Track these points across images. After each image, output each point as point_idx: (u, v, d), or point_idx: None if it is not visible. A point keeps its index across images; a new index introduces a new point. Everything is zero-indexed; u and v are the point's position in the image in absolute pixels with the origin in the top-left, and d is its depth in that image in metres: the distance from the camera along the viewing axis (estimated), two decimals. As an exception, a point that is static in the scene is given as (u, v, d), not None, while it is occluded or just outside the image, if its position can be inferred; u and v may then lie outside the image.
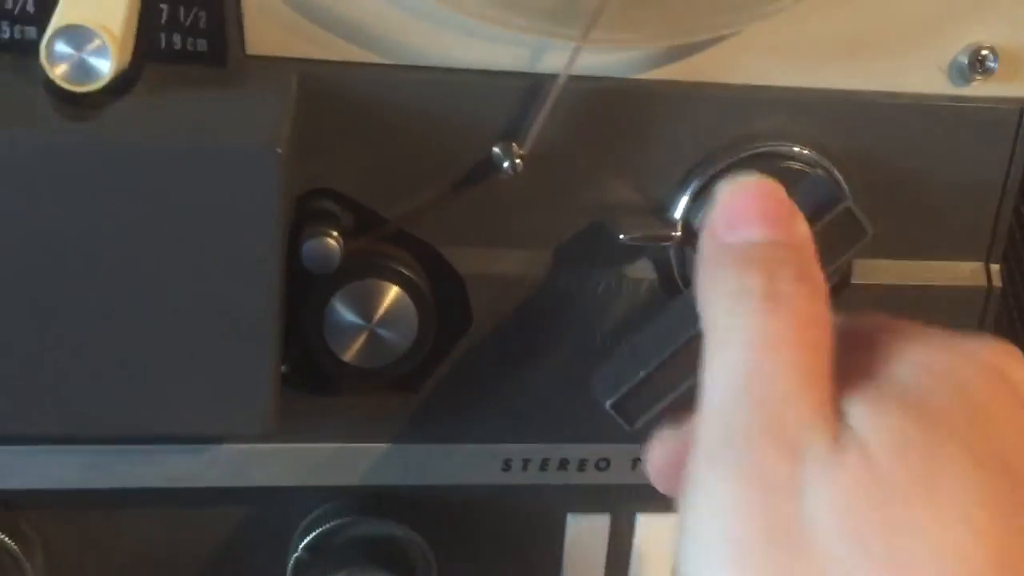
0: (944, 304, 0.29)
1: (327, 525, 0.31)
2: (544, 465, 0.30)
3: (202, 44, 0.25)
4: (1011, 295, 0.32)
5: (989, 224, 0.29)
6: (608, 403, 0.27)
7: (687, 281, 0.28)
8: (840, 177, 0.28)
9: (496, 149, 0.27)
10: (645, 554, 0.35)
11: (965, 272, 0.30)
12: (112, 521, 0.30)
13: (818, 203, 0.26)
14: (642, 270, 0.28)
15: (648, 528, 0.34)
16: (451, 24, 0.25)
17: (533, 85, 0.26)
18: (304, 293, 0.26)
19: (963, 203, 0.29)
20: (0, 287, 0.23)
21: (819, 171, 0.28)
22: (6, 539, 0.29)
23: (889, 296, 0.29)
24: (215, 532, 0.31)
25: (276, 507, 0.30)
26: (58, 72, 0.22)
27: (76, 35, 0.22)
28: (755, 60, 0.27)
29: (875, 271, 0.29)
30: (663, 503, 0.32)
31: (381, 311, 0.26)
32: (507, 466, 0.30)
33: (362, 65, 0.26)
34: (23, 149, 0.22)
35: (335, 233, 0.25)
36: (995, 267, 0.30)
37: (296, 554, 0.31)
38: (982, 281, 0.30)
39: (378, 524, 0.31)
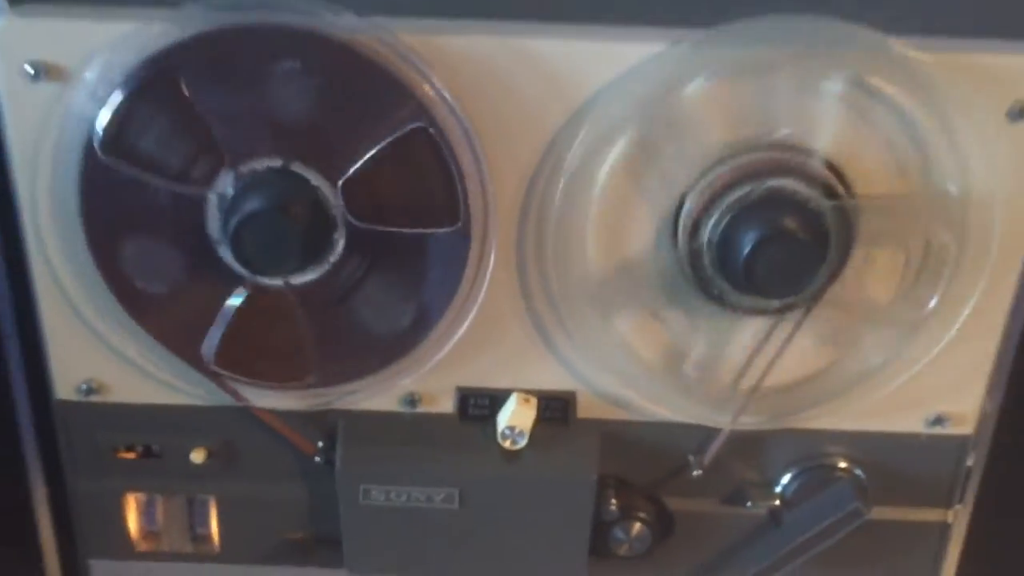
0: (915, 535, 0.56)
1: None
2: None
3: (559, 413, 0.54)
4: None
5: (944, 495, 0.56)
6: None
7: (780, 520, 0.56)
8: (864, 478, 0.55)
9: (691, 457, 0.55)
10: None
11: (933, 514, 0.56)
12: None
13: (841, 498, 0.53)
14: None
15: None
16: (668, 400, 0.54)
17: (710, 432, 0.54)
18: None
19: (927, 487, 0.55)
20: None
21: (857, 472, 0.55)
22: None
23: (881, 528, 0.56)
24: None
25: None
26: (505, 444, 0.52)
27: (512, 430, 0.52)
28: (817, 418, 0.54)
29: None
30: None
31: (635, 533, 0.55)
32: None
33: (629, 420, 0.55)
34: (487, 481, 0.53)
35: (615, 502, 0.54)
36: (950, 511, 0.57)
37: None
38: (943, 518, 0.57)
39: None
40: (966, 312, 0.50)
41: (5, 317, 0.58)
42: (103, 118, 0.46)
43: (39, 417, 0.61)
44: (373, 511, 0.53)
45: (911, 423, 0.55)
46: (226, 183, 0.47)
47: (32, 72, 0.46)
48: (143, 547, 0.59)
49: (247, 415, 0.54)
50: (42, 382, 0.59)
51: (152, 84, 0.45)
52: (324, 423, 0.54)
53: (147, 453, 0.56)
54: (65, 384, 0.54)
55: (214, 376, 0.51)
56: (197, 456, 0.55)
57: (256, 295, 0.49)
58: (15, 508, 0.64)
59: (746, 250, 0.46)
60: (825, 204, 0.46)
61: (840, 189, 0.47)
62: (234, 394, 0.52)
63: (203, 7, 0.45)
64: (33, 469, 0.63)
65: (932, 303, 0.50)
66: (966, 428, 0.55)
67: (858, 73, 0.46)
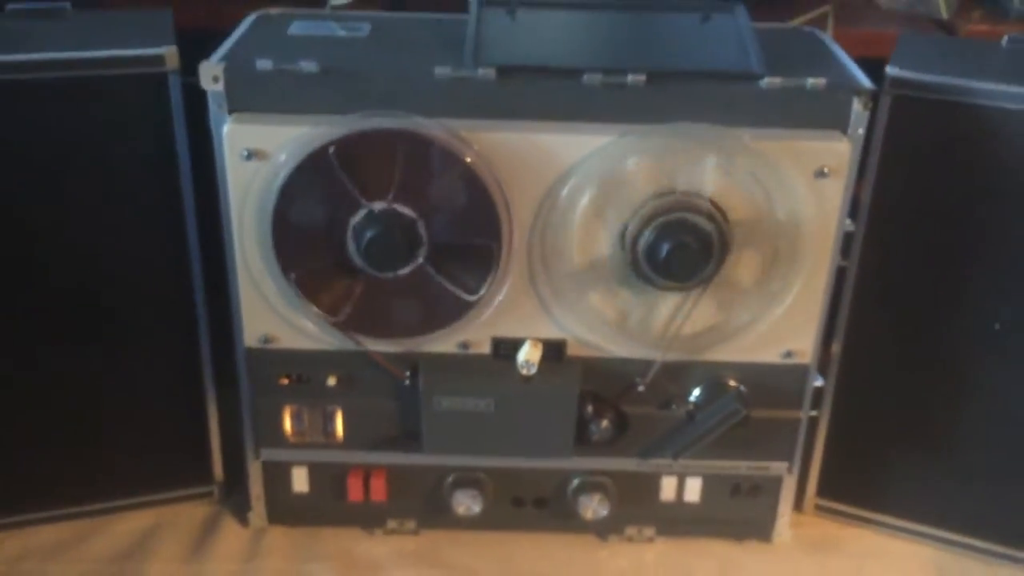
0: (777, 428, 0.89)
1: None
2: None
3: (556, 352, 0.86)
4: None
5: (795, 401, 0.88)
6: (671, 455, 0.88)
7: (694, 417, 0.88)
8: (745, 390, 0.87)
9: (638, 379, 0.87)
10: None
11: (788, 414, 0.89)
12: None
13: (729, 402, 0.85)
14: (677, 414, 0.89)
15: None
16: (622, 344, 0.86)
17: (649, 363, 0.86)
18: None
19: (784, 396, 0.88)
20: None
21: (742, 388, 0.87)
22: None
23: (756, 423, 0.88)
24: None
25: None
26: (522, 372, 0.84)
27: (527, 363, 0.84)
28: (715, 354, 0.86)
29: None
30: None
31: (603, 427, 0.88)
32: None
33: (598, 357, 0.86)
34: (511, 394, 0.85)
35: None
36: (800, 412, 0.89)
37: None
38: (796, 416, 0.89)
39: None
40: (796, 289, 0.82)
41: (197, 292, 0.90)
42: (287, 181, 0.78)
43: (215, 360, 0.94)
44: (442, 413, 0.86)
45: (772, 356, 0.86)
46: (357, 218, 0.79)
47: (246, 154, 0.78)
48: (293, 440, 0.90)
49: (362, 355, 0.86)
50: (218, 338, 0.92)
51: (316, 162, 0.77)
52: (409, 360, 0.86)
53: (298, 380, 0.87)
54: (251, 337, 0.86)
55: (345, 331, 0.83)
56: (330, 381, 0.88)
57: (375, 283, 0.81)
58: (193, 419, 0.96)
59: (663, 254, 0.78)
60: (710, 227, 0.78)
61: (719, 218, 0.79)
62: (356, 342, 0.85)
63: (344, 118, 0.77)
64: (209, 395, 0.95)
65: (776, 285, 0.83)
66: (806, 359, 0.87)
67: (725, 153, 0.78)
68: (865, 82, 0.79)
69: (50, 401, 0.91)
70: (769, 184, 0.78)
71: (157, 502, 0.98)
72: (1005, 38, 0.89)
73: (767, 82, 0.77)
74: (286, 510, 0.95)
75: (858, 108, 0.78)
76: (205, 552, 0.94)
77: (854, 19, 1.14)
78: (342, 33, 0.85)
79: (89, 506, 0.97)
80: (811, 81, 0.77)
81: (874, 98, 0.78)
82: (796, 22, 0.93)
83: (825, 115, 0.78)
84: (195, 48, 0.82)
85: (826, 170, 0.78)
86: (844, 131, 0.78)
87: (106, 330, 0.90)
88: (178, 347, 0.92)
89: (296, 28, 0.87)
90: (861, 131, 0.78)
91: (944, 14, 1.11)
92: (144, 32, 0.84)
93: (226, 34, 0.87)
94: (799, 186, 0.78)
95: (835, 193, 0.79)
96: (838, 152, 0.78)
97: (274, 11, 0.90)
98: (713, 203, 0.78)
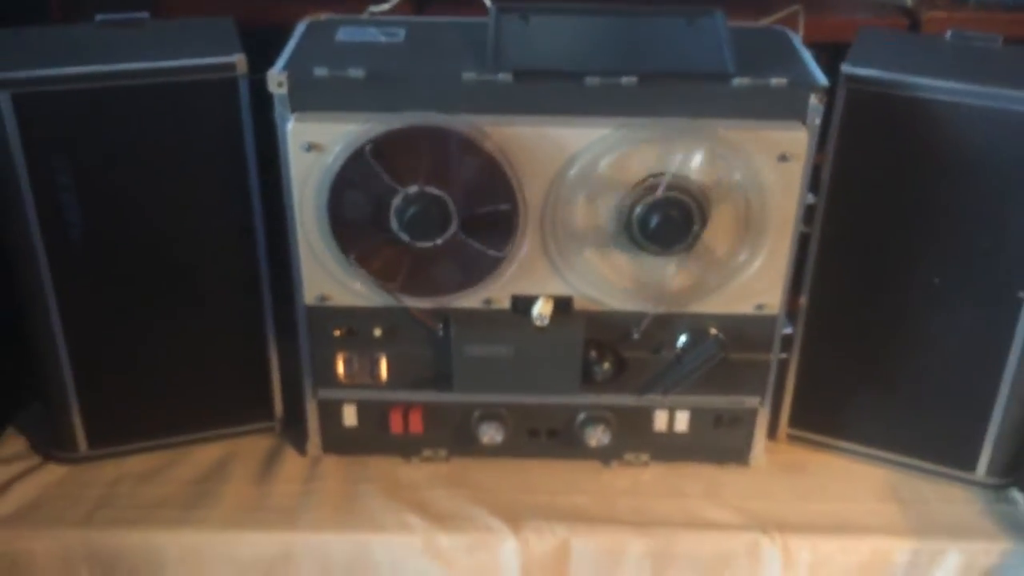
0: (751, 368, 1.05)
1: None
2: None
3: (564, 306, 1.02)
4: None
5: (766, 345, 1.04)
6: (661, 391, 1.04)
7: (680, 359, 1.04)
8: (723, 337, 1.03)
9: (633, 328, 1.03)
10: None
11: (760, 356, 1.05)
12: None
13: (709, 346, 1.01)
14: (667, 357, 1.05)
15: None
16: (619, 298, 1.02)
17: (643, 315, 1.02)
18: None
19: (757, 342, 1.04)
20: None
21: (720, 335, 1.03)
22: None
23: (733, 364, 1.04)
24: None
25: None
26: (536, 323, 0.99)
27: (541, 316, 1.00)
28: (698, 306, 1.02)
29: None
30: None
31: (605, 368, 1.04)
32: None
33: (600, 310, 1.02)
34: (528, 342, 1.01)
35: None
36: (770, 355, 1.05)
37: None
38: (766, 359, 1.05)
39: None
40: (765, 251, 0.98)
41: (261, 259, 1.07)
42: (341, 169, 0.94)
43: (276, 315, 1.10)
44: (470, 359, 1.02)
45: (746, 308, 0.99)
46: (399, 198, 0.95)
47: (306, 147, 0.94)
48: (345, 382, 1.04)
49: (403, 310, 1.02)
50: (278, 297, 1.08)
51: (365, 152, 0.93)
52: (442, 314, 1.02)
53: (349, 332, 1.02)
54: (310, 296, 1.01)
55: (390, 291, 1.00)
56: (376, 333, 1.04)
57: (414, 251, 0.97)
58: (258, 365, 1.13)
59: (652, 224, 0.94)
60: (691, 203, 0.94)
61: (699, 195, 0.94)
62: (398, 300, 1.01)
63: (387, 116, 0.93)
64: (271, 344, 1.12)
65: (748, 249, 0.98)
66: (775, 311, 1.02)
67: (702, 141, 0.93)
68: (821, 80, 0.93)
69: (139, 350, 1.08)
70: (740, 167, 0.94)
71: (228, 435, 1.13)
72: (949, 33, 1.03)
73: (737, 81, 0.92)
74: (338, 441, 1.09)
75: (815, 102, 0.93)
76: (271, 476, 1.10)
77: (827, 5, 1.28)
78: (382, 39, 1.01)
79: (171, 439, 1.12)
80: (774, 80, 0.92)
81: (829, 93, 0.93)
82: (768, 20, 1.07)
83: (787, 108, 0.93)
84: (249, 42, 0.99)
85: (787, 155, 0.93)
86: (803, 122, 0.93)
87: (187, 292, 1.05)
88: (245, 305, 1.06)
89: (343, 34, 1.02)
90: (818, 121, 0.94)
91: (908, 1, 1.25)
92: (212, 39, 1.00)
93: (276, 30, 1.03)
94: (765, 168, 0.94)
95: (796, 174, 0.94)
96: (798, 140, 0.93)
97: (323, 17, 1.05)
98: (694, 183, 0.94)
